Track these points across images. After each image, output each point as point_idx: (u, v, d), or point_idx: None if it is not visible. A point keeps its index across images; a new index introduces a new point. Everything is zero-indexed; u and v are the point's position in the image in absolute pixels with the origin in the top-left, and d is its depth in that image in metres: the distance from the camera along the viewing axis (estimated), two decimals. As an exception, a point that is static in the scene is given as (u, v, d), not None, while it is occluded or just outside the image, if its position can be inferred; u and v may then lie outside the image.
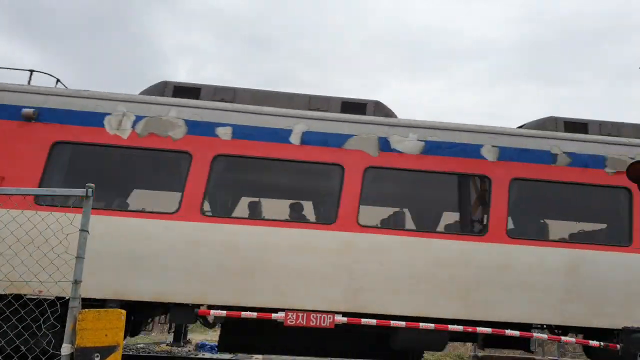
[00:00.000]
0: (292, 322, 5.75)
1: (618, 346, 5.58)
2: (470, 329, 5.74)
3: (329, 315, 5.76)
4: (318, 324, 5.77)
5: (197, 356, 9.46)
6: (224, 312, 5.65)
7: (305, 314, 5.77)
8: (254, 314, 5.65)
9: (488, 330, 5.77)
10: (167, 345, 10.73)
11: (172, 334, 11.15)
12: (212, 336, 14.08)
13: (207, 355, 9.74)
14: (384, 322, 5.70)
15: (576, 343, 6.37)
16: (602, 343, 5.68)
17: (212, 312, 5.69)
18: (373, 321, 5.69)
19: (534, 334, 6.19)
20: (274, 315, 5.70)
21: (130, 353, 9.38)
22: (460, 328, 5.71)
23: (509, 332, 5.85)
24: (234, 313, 5.66)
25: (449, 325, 5.73)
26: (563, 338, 6.36)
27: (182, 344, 11.00)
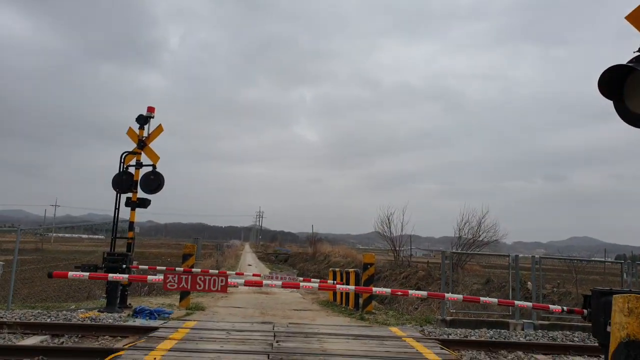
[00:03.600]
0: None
1: (585, 311, 4.46)
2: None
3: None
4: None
5: (123, 323, 8.38)
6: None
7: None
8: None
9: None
10: (98, 311, 9.66)
11: (105, 298, 10.08)
12: (170, 299, 13.16)
13: (137, 321, 8.67)
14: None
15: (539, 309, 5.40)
16: (565, 308, 4.57)
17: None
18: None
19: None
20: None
21: (46, 320, 8.33)
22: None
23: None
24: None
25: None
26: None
27: (116, 309, 9.96)
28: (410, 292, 8.79)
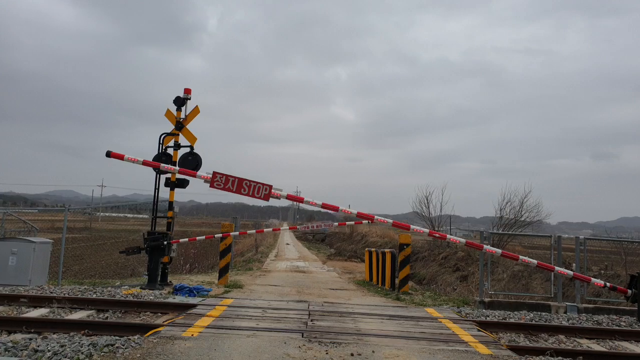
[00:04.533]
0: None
1: (629, 291, 4.23)
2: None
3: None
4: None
5: (164, 300, 8.64)
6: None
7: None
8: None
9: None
10: (141, 288, 10.01)
11: (147, 275, 10.41)
12: (210, 277, 13.51)
13: (177, 298, 8.92)
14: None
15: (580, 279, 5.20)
16: (608, 284, 4.37)
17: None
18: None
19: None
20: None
21: (92, 296, 8.70)
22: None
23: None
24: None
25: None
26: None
27: (157, 286, 10.28)
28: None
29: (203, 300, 8.75)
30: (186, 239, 12.79)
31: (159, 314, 7.76)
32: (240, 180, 6.96)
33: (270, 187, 7.00)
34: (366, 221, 8.13)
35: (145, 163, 7.20)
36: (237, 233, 13.25)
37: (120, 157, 7.38)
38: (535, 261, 6.99)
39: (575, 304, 9.81)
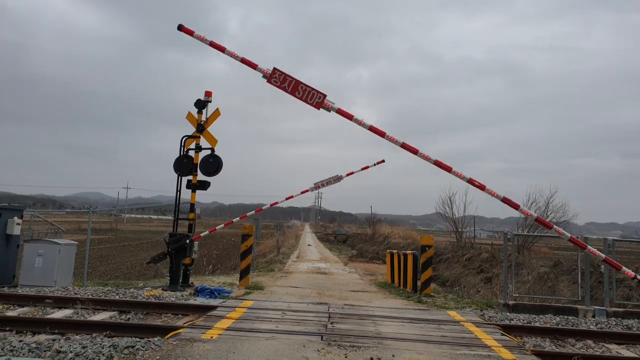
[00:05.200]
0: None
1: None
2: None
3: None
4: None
5: (185, 301, 8.71)
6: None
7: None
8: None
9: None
10: (162, 289, 10.10)
11: (168, 277, 10.51)
12: (232, 279, 13.56)
13: (198, 300, 8.98)
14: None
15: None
16: (638, 276, 4.24)
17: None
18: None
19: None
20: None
21: (115, 297, 8.82)
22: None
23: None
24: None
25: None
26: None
27: (179, 287, 10.37)
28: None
29: (224, 301, 8.78)
30: (206, 231, 12.85)
31: (180, 316, 7.81)
32: (297, 82, 7.02)
33: (325, 96, 7.01)
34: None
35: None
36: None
37: (190, 33, 7.38)
38: (568, 234, 6.82)
39: (603, 308, 9.50)
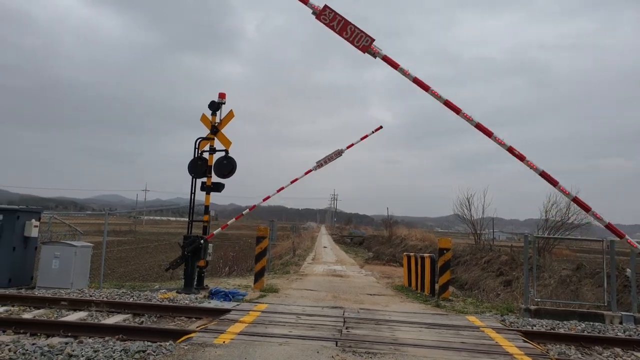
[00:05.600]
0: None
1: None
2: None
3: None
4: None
5: (198, 304, 8.63)
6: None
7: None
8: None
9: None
10: (177, 292, 10.05)
11: (183, 279, 10.45)
12: (247, 281, 13.48)
13: (212, 303, 8.89)
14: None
15: None
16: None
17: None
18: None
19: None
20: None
21: (129, 300, 8.78)
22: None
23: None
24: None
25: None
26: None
27: (193, 290, 10.31)
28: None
29: (237, 305, 8.68)
30: (219, 229, 12.76)
31: (194, 319, 7.73)
32: (347, 23, 6.95)
33: (372, 40, 6.92)
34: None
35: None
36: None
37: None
38: (606, 220, 6.60)
39: (631, 314, 9.13)
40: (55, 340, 5.99)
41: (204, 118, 11.33)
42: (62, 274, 10.12)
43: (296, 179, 11.37)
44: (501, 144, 7.02)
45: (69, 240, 11.24)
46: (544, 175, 6.90)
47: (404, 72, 7.19)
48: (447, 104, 7.31)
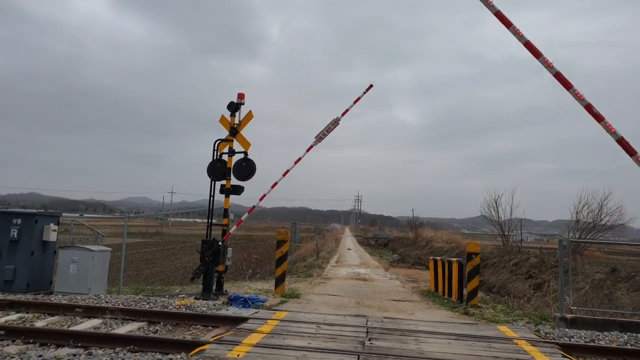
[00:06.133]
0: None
1: None
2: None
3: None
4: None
5: (216, 312, 8.34)
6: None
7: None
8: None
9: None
10: (195, 298, 9.80)
11: (202, 284, 10.19)
12: (269, 285, 13.17)
13: (230, 310, 8.59)
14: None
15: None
16: None
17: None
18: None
19: None
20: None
21: (145, 307, 8.56)
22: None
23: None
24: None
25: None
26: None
27: (212, 296, 10.04)
28: None
29: (256, 312, 8.35)
30: (234, 227, 12.48)
31: (210, 328, 7.43)
32: None
33: None
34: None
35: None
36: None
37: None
38: None
39: (678, 324, 8.44)
40: (64, 352, 5.76)
41: (222, 119, 11.07)
42: (79, 279, 9.98)
43: (299, 159, 10.96)
44: (580, 99, 6.54)
45: (88, 245, 11.12)
46: (621, 141, 6.45)
47: (516, 33, 6.79)
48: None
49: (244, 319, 7.58)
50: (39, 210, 10.68)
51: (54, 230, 10.57)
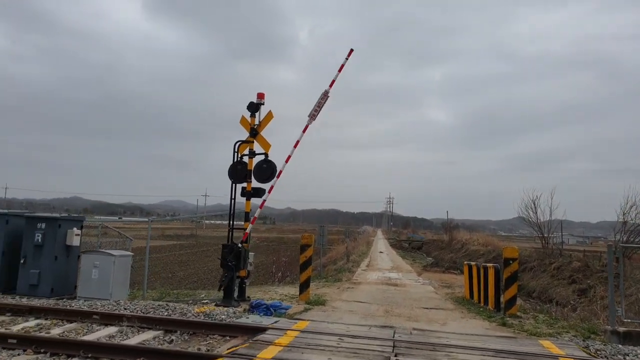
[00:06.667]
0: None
1: None
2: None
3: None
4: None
5: (235, 321, 7.95)
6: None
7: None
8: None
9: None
10: (215, 305, 9.46)
11: (223, 291, 9.84)
12: (296, 289, 12.73)
13: (250, 318, 8.19)
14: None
15: None
16: None
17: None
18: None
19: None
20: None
21: (163, 314, 8.26)
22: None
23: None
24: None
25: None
26: None
27: (233, 303, 9.67)
28: None
29: (277, 321, 7.92)
30: (250, 225, 12.08)
31: (228, 338, 7.04)
32: None
33: None
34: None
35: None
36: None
37: None
38: None
39: None
40: (71, 364, 5.47)
41: (243, 120, 10.73)
42: (101, 284, 9.81)
43: (298, 142, 10.44)
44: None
45: (110, 249, 10.97)
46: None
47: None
48: None
49: (262, 329, 7.15)
50: (62, 215, 10.60)
51: (77, 235, 10.46)
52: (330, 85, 10.44)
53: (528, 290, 21.97)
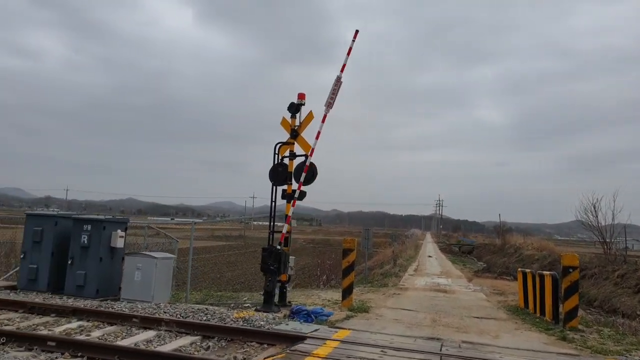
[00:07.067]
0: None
1: None
2: None
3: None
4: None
5: (274, 328, 7.69)
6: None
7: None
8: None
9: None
10: (255, 310, 9.25)
11: (263, 295, 9.62)
12: (339, 294, 12.38)
13: (290, 325, 7.90)
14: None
15: None
16: None
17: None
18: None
19: None
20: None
21: (202, 319, 8.12)
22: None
23: None
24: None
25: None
26: None
27: (273, 308, 9.43)
28: None
29: (316, 330, 7.59)
30: (285, 226, 11.82)
31: (265, 346, 6.78)
32: None
33: None
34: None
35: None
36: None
37: None
38: None
39: None
40: (104, 370, 5.37)
41: (283, 121, 10.50)
42: (143, 286, 9.84)
43: (319, 132, 10.02)
44: None
45: (152, 251, 11.02)
46: None
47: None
48: None
49: (301, 338, 6.85)
50: (106, 217, 10.75)
51: (121, 237, 10.56)
52: (342, 70, 10.11)
53: (588, 299, 20.59)
